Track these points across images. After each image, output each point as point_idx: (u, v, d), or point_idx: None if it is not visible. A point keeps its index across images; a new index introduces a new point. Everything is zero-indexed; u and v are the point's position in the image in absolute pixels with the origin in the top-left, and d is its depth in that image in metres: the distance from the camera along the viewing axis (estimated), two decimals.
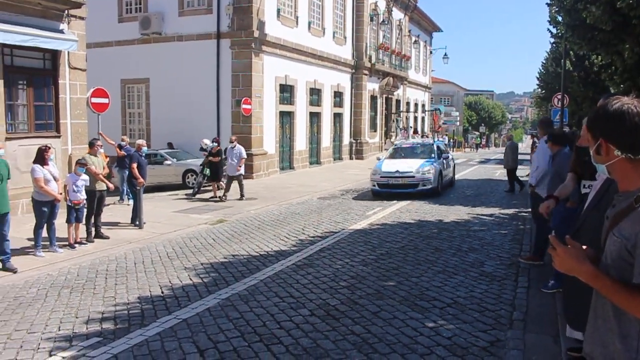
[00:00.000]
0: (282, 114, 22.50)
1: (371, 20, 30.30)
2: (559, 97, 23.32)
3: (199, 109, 20.52)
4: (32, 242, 8.76)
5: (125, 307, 6.15)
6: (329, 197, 15.70)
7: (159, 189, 17.42)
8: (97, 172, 9.78)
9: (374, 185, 15.57)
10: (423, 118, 45.84)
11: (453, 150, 49.34)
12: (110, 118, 17.47)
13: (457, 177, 20.47)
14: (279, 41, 21.37)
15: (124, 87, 22.55)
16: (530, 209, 10.10)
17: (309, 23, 24.22)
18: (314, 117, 25.41)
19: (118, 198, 14.47)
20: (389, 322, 5.50)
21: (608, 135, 1.88)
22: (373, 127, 32.34)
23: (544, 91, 36.55)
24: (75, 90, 13.16)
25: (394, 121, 35.46)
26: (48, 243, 8.83)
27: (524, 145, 61.07)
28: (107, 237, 9.98)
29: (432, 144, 17.90)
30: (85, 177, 9.36)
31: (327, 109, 26.55)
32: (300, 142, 24.09)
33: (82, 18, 13.19)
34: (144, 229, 10.87)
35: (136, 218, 11.25)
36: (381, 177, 15.41)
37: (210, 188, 15.76)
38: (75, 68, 13.13)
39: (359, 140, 29.93)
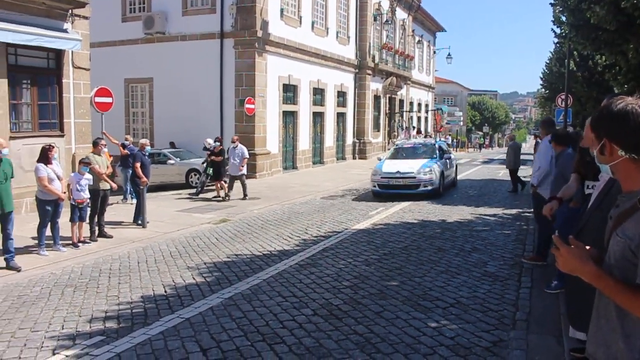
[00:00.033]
0: (286, 114, 22.51)
1: (375, 20, 30.30)
2: (563, 97, 23.23)
3: (202, 109, 20.55)
4: (36, 241, 8.79)
5: (128, 306, 6.17)
6: (332, 197, 15.70)
7: (162, 188, 17.46)
8: (101, 172, 9.81)
9: (375, 186, 15.39)
10: (426, 118, 45.82)
11: (456, 150, 49.36)
12: (113, 117, 17.52)
13: (460, 177, 20.45)
14: (282, 41, 21.39)
15: (127, 87, 22.60)
16: (532, 210, 10.08)
17: (313, 23, 24.23)
18: (317, 117, 25.41)
19: (121, 197, 14.52)
20: (391, 322, 5.50)
21: (612, 135, 1.87)
22: (376, 127, 32.33)
23: (547, 91, 36.44)
24: (79, 90, 13.20)
25: (395, 121, 35.42)
26: (52, 242, 8.86)
27: (528, 146, 60.95)
28: (110, 236, 10.00)
29: (434, 144, 17.59)
30: (88, 176, 9.39)
31: (330, 109, 26.55)
32: (304, 141, 24.10)
33: (86, 17, 13.23)
34: (147, 228, 10.89)
35: (138, 217, 11.27)
36: (382, 177, 15.19)
37: (214, 187, 15.78)
38: (79, 67, 13.16)
39: (362, 140, 29.93)
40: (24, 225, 10.03)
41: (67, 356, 4.81)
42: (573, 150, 6.55)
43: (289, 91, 22.76)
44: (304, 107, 23.90)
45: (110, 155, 11.41)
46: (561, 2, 16.60)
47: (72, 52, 12.79)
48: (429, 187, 14.91)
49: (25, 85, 12.24)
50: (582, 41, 16.04)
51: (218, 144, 15.67)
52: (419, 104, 43.21)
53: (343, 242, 9.48)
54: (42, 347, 5.02)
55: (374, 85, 31.00)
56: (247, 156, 15.45)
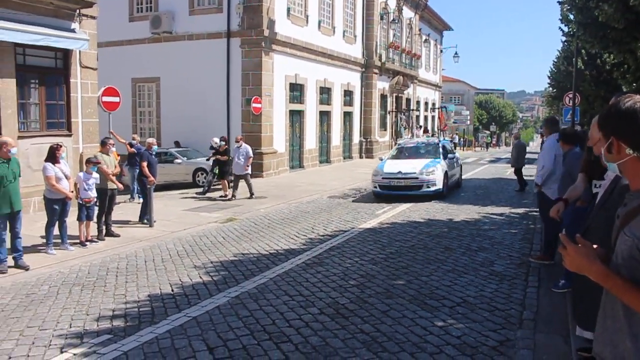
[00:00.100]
0: (292, 113, 22.52)
1: (381, 19, 30.25)
2: (571, 96, 23.11)
3: (209, 108, 20.59)
4: (44, 240, 8.83)
5: (135, 305, 6.19)
6: (338, 196, 15.69)
7: (169, 187, 17.50)
8: (108, 171, 9.84)
9: (375, 187, 14.89)
10: (433, 117, 45.71)
11: (463, 149, 49.23)
12: (121, 117, 17.60)
13: (467, 176, 20.37)
14: (289, 40, 21.40)
15: (134, 86, 22.69)
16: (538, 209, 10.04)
17: (319, 22, 24.22)
18: (324, 116, 25.40)
19: (129, 196, 14.57)
20: (398, 320, 5.50)
21: (620, 133, 1.86)
22: (383, 125, 32.29)
23: (555, 90, 36.27)
24: (87, 89, 13.26)
25: (398, 120, 35.29)
26: (59, 241, 8.91)
27: (535, 145, 60.73)
28: (117, 235, 10.05)
29: (437, 144, 17.04)
30: (96, 175, 9.44)
31: (337, 108, 26.54)
32: (310, 140, 24.10)
33: (93, 17, 13.29)
34: (154, 227, 10.93)
35: (144, 216, 11.32)
36: (383, 178, 14.68)
37: (220, 187, 15.81)
38: (87, 67, 13.22)
39: (369, 139, 29.91)
40: (32, 224, 10.09)
41: (74, 354, 4.84)
42: (581, 149, 6.52)
43: (296, 90, 22.76)
44: (311, 106, 23.90)
45: (118, 155, 11.45)
46: (569, 1, 16.54)
47: (79, 51, 12.86)
48: (432, 188, 14.42)
49: (33, 85, 12.31)
50: (590, 39, 15.96)
51: (223, 143, 15.69)
52: (426, 103, 43.11)
53: (349, 241, 9.48)
54: (50, 345, 5.05)
55: (381, 84, 30.96)
56: (252, 155, 15.43)
